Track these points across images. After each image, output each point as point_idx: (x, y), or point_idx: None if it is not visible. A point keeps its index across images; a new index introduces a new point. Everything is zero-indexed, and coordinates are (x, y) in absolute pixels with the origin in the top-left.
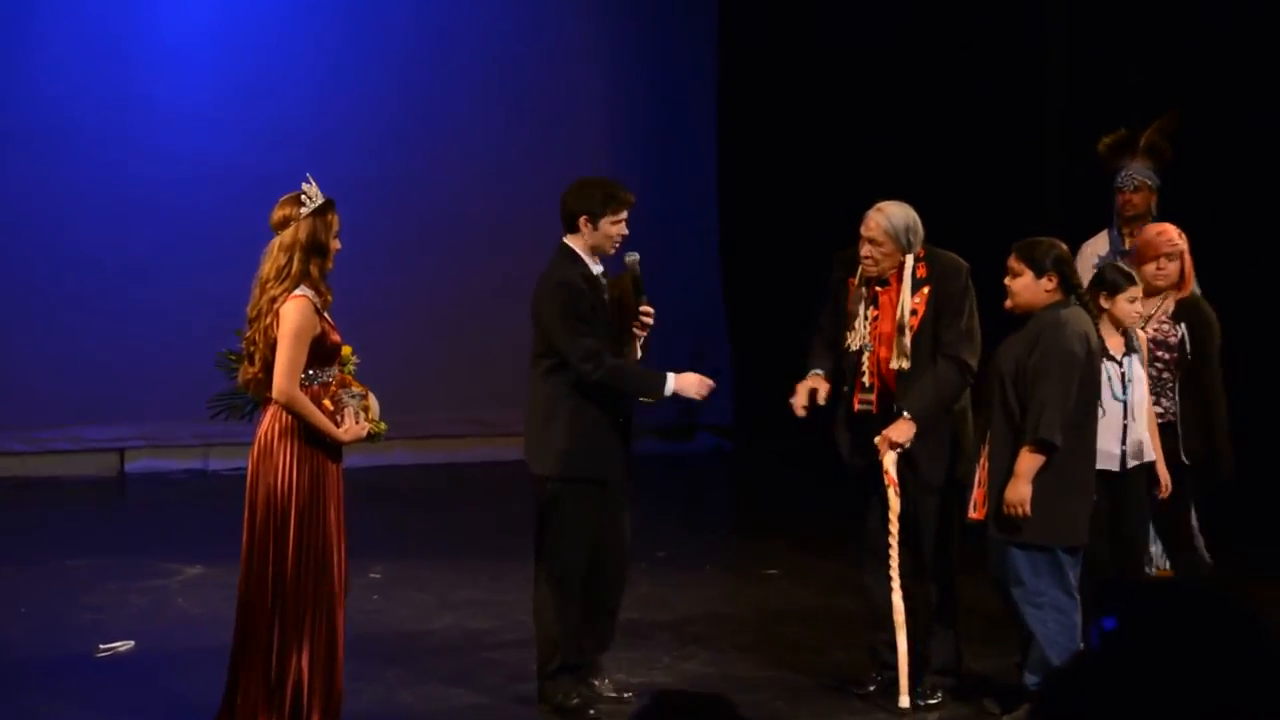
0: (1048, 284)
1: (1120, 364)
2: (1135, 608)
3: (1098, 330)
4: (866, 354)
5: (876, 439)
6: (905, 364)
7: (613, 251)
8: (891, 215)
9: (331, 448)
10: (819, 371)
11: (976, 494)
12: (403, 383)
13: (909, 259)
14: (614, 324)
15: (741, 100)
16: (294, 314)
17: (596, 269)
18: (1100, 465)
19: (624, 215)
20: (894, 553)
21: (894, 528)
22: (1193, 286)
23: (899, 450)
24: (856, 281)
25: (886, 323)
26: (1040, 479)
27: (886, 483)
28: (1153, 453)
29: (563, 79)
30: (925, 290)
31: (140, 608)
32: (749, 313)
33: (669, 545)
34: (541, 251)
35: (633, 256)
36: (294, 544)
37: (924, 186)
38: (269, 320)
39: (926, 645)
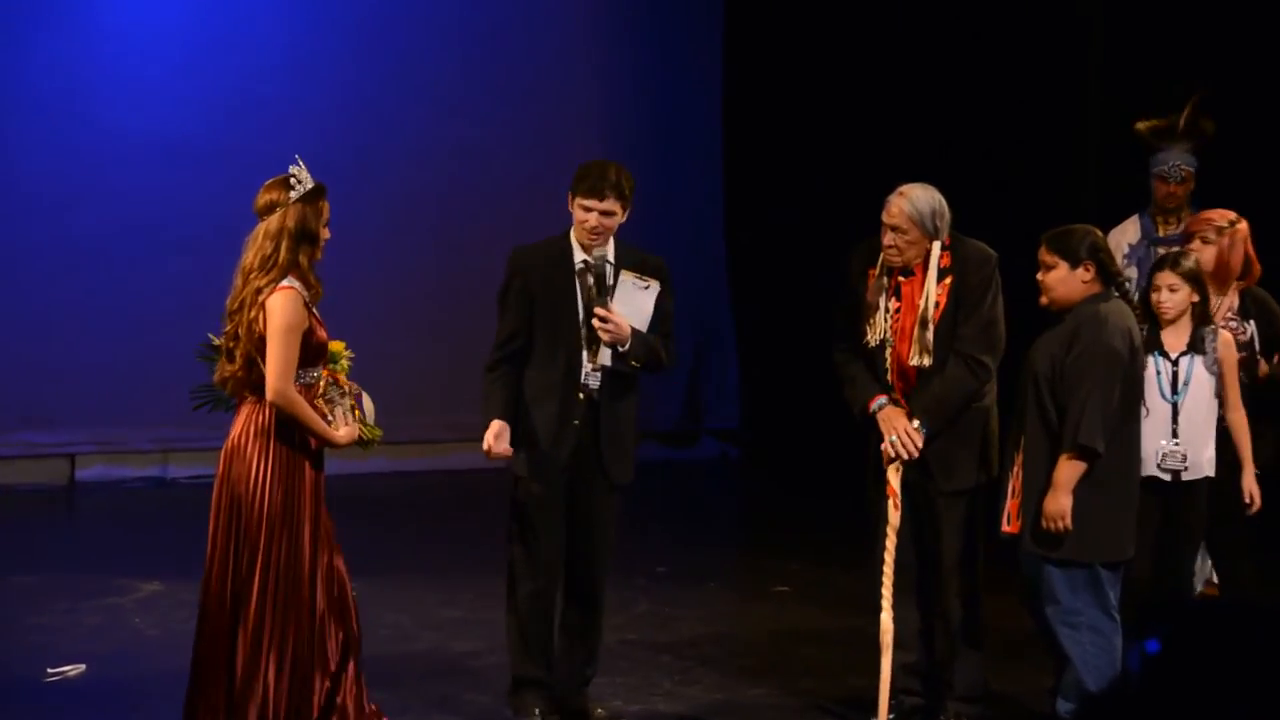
0: (1085, 274)
1: (1174, 362)
2: (1180, 629)
3: (1141, 324)
4: (887, 349)
5: (883, 446)
6: (927, 360)
7: (588, 242)
8: (916, 199)
9: (313, 453)
10: (886, 402)
11: (1010, 505)
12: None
13: (935, 247)
14: (576, 323)
15: (749, 92)
16: (283, 307)
17: (584, 256)
18: (1143, 471)
19: (592, 204)
20: (888, 569)
21: (890, 542)
22: (1257, 279)
23: (904, 460)
24: (876, 272)
25: (908, 315)
26: (1079, 489)
27: (887, 493)
28: (1211, 466)
29: (564, 75)
30: (948, 281)
31: (93, 627)
32: (757, 313)
33: (670, 559)
34: None
35: (600, 251)
36: (261, 556)
37: (947, 174)
38: (254, 314)
39: (949, 669)
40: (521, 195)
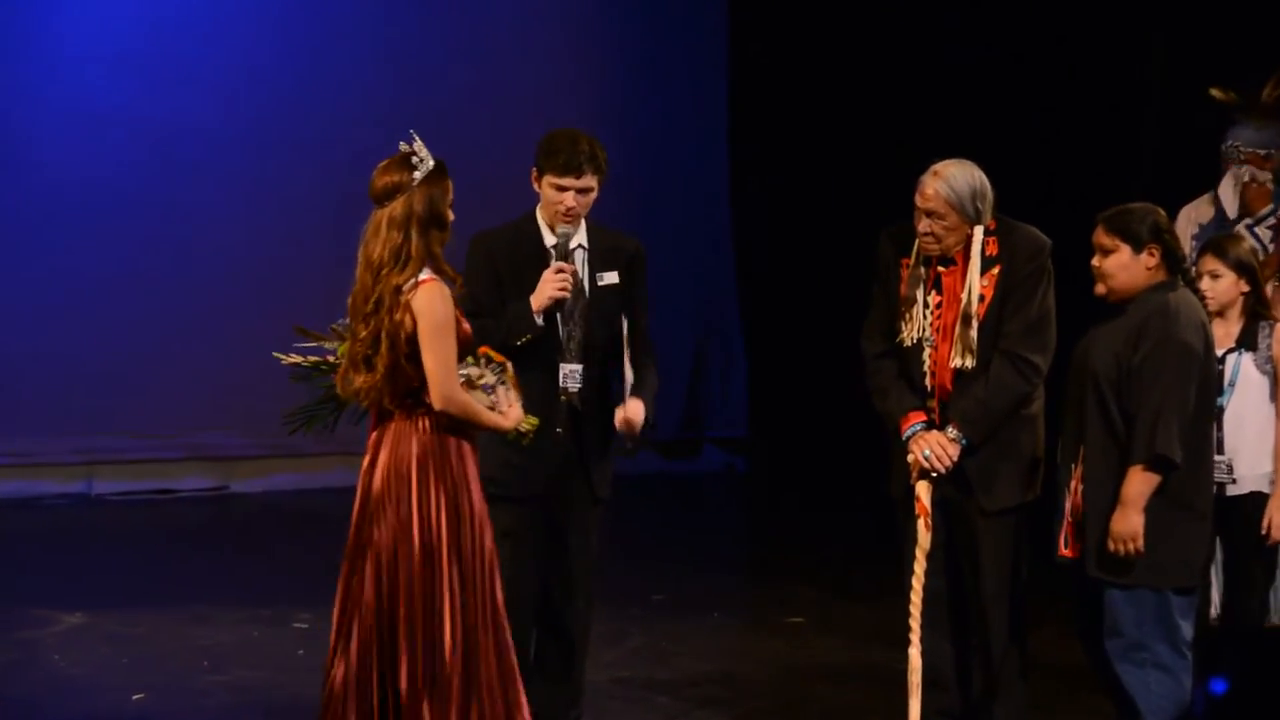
0: (1149, 259)
1: (1220, 359)
2: (1250, 667)
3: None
4: (927, 350)
5: (910, 458)
6: (970, 361)
7: (560, 222)
8: (952, 179)
9: (476, 466)
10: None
11: (1067, 527)
12: None
13: (978, 231)
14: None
15: (756, 79)
16: (435, 304)
17: (551, 239)
18: None
19: (568, 182)
20: (916, 598)
21: (919, 567)
22: None
23: (937, 475)
24: (911, 262)
25: (951, 311)
26: (1150, 505)
27: (917, 511)
28: (1267, 480)
29: (566, 71)
30: (995, 271)
31: (3, 665)
32: (766, 314)
33: (669, 586)
34: None
35: (564, 231)
36: (451, 601)
37: (981, 150)
38: (399, 316)
39: (988, 713)
40: (521, 193)
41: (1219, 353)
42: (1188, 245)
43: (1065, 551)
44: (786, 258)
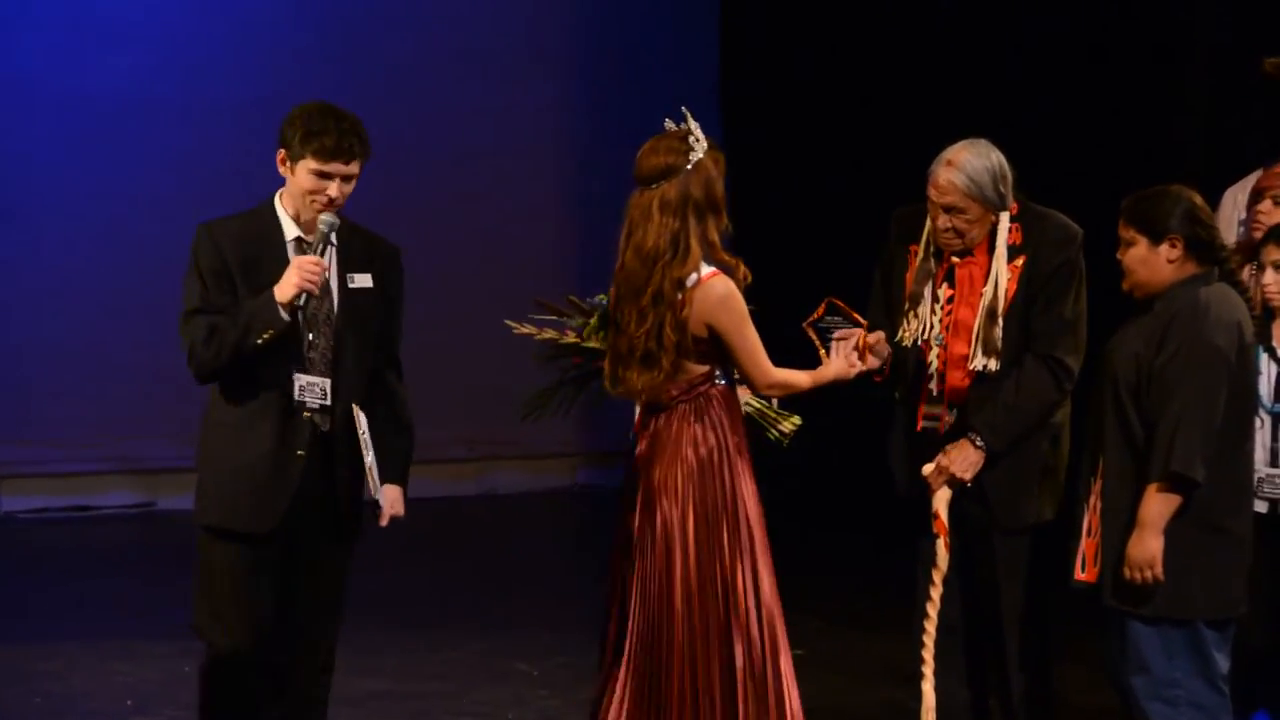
0: (1170, 252)
1: (1279, 361)
2: None
3: (1253, 314)
4: (936, 350)
5: (925, 469)
6: (993, 364)
7: (315, 214)
8: (968, 166)
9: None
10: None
11: (1085, 547)
12: None
13: (1004, 219)
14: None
15: (749, 61)
16: (732, 295)
17: (292, 231)
18: None
19: (334, 168)
20: (930, 626)
21: (935, 592)
22: None
23: (957, 488)
24: (921, 251)
25: (967, 307)
26: (1175, 527)
27: (935, 530)
28: None
29: (552, 69)
30: (1019, 262)
31: None
32: (762, 316)
33: None
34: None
35: (325, 217)
36: (757, 594)
37: (1002, 129)
38: (685, 312)
39: None
40: (511, 193)
41: (1279, 350)
42: (1233, 231)
43: (1082, 575)
44: (779, 255)
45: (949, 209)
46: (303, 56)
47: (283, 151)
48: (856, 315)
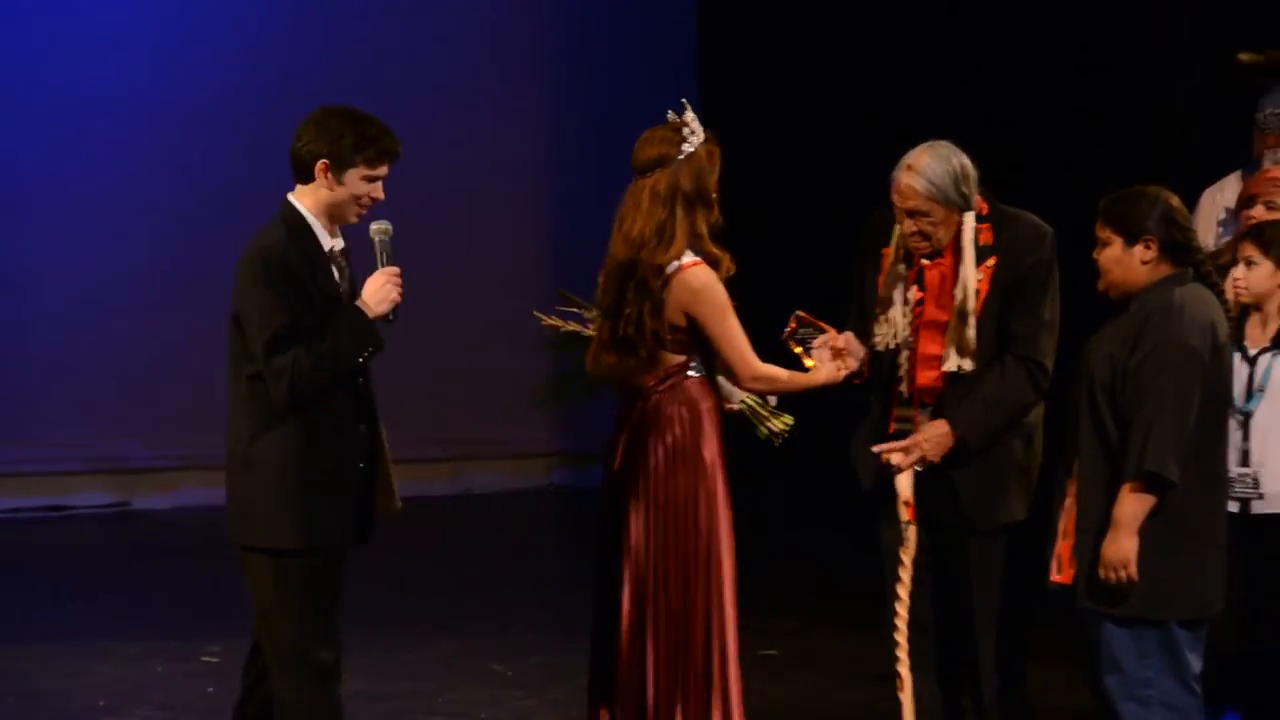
0: (1144, 253)
1: (1252, 361)
2: (1265, 700)
3: (1228, 313)
4: (906, 354)
5: (894, 456)
6: (967, 364)
7: (356, 220)
8: (929, 170)
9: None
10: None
11: (1060, 548)
12: None
13: (968, 219)
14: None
15: (727, 54)
16: (712, 285)
17: (333, 242)
18: None
19: (383, 171)
20: (902, 609)
21: (905, 574)
22: None
23: (922, 469)
24: (892, 254)
25: (936, 307)
26: (1148, 527)
27: (905, 516)
28: None
29: (523, 59)
30: (990, 262)
31: None
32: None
33: None
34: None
35: (381, 225)
36: (704, 591)
37: (977, 129)
38: (664, 299)
39: None
40: (487, 192)
41: (1252, 352)
42: (1212, 232)
43: (1057, 577)
44: (756, 253)
45: (912, 213)
46: (275, 55)
47: (324, 162)
48: (823, 324)
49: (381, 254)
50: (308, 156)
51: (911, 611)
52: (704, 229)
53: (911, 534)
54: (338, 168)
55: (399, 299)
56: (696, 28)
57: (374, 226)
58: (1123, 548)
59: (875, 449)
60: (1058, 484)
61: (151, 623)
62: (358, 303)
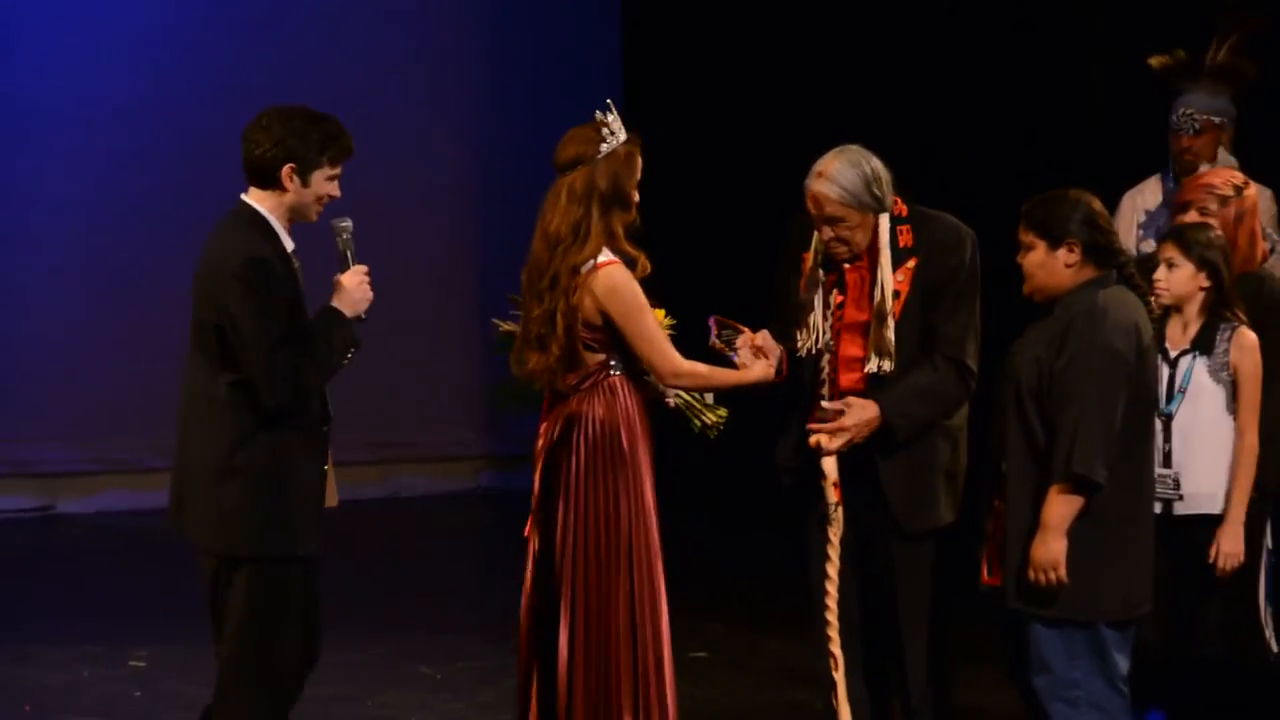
0: (1068, 256)
1: (1173, 362)
2: (1193, 700)
3: (1152, 315)
4: (828, 357)
5: (817, 433)
6: (887, 365)
7: (316, 219)
8: (839, 176)
9: (647, 439)
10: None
11: (988, 551)
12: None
13: (884, 221)
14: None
15: (651, 62)
16: (623, 286)
17: (290, 244)
18: None
19: (341, 169)
20: (831, 600)
21: (834, 554)
22: (1261, 262)
23: (843, 447)
24: (811, 259)
25: (856, 309)
26: (1076, 528)
27: (830, 495)
28: (1217, 502)
29: (449, 52)
30: (910, 264)
31: None
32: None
33: None
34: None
35: (344, 223)
36: (627, 590)
37: (905, 130)
38: (576, 297)
39: None
40: (413, 195)
41: (1173, 354)
42: (1133, 234)
43: (988, 579)
44: (683, 261)
45: (828, 220)
46: (205, 56)
47: (290, 165)
48: (739, 325)
49: (346, 251)
50: (271, 160)
51: (840, 611)
52: (619, 229)
53: (839, 515)
54: (304, 170)
55: (370, 297)
56: (621, 28)
57: (337, 224)
58: (1051, 549)
59: (809, 427)
60: (985, 486)
61: (77, 628)
62: (334, 303)
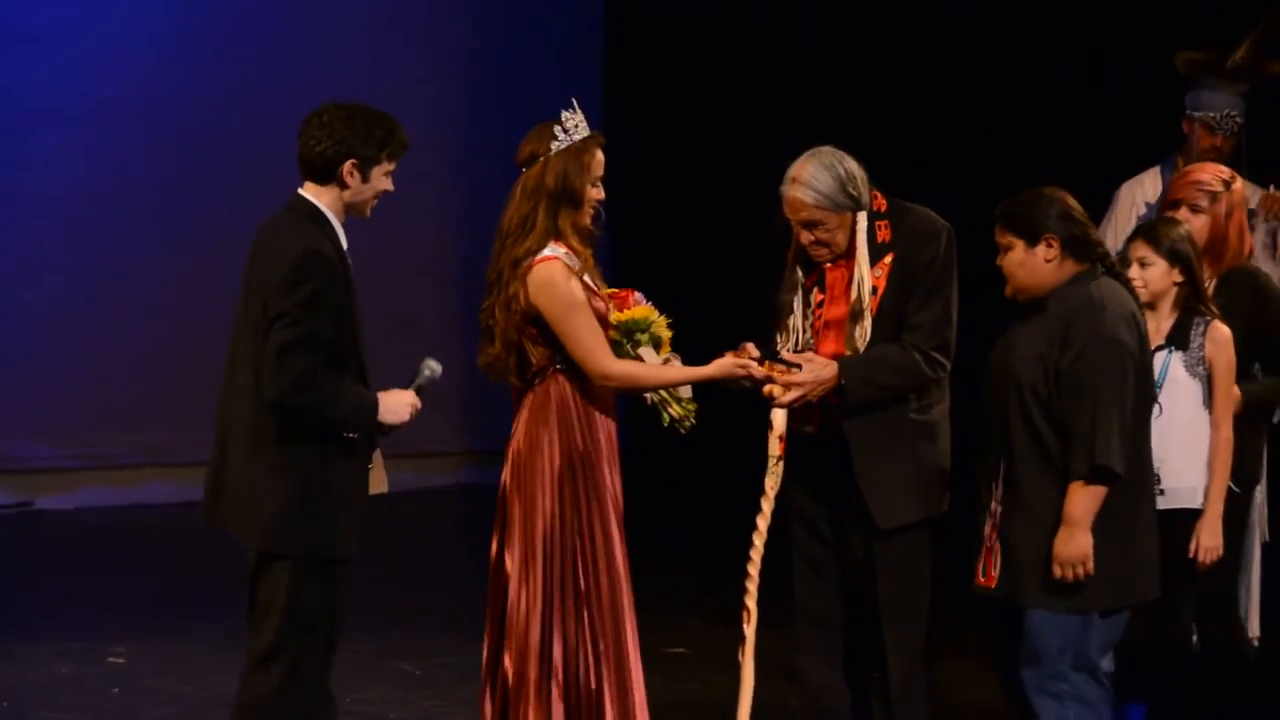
0: (1047, 252)
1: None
2: (1171, 692)
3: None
4: (807, 354)
5: (772, 385)
6: None
7: (369, 214)
8: (814, 180)
9: (608, 453)
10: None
11: (985, 555)
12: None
13: (862, 219)
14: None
15: (632, 58)
16: (552, 282)
17: (345, 240)
18: None
19: (396, 165)
20: (756, 554)
21: (767, 505)
22: (1248, 256)
23: (795, 403)
24: (791, 259)
25: (835, 307)
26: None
27: (774, 448)
28: (1195, 496)
29: (424, 59)
30: (887, 260)
31: None
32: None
33: None
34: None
35: (436, 367)
36: (581, 580)
37: (885, 131)
38: (514, 289)
39: None
40: (397, 190)
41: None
42: (1131, 226)
43: (983, 580)
44: (664, 262)
45: (807, 224)
46: (188, 54)
47: (353, 162)
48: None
49: (419, 384)
50: (333, 156)
51: (814, 607)
52: (568, 226)
53: (779, 469)
54: (365, 166)
55: (402, 425)
56: (605, 27)
57: (432, 364)
58: (1080, 543)
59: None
60: (981, 489)
61: (55, 624)
62: (379, 395)
